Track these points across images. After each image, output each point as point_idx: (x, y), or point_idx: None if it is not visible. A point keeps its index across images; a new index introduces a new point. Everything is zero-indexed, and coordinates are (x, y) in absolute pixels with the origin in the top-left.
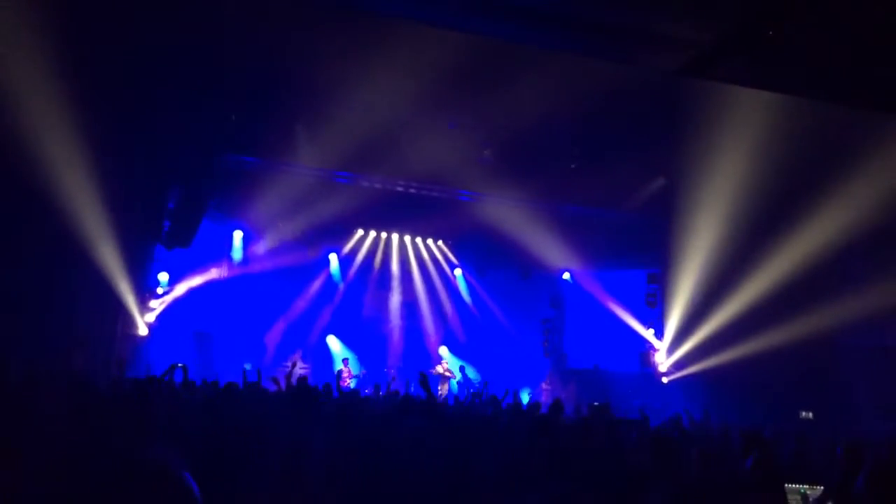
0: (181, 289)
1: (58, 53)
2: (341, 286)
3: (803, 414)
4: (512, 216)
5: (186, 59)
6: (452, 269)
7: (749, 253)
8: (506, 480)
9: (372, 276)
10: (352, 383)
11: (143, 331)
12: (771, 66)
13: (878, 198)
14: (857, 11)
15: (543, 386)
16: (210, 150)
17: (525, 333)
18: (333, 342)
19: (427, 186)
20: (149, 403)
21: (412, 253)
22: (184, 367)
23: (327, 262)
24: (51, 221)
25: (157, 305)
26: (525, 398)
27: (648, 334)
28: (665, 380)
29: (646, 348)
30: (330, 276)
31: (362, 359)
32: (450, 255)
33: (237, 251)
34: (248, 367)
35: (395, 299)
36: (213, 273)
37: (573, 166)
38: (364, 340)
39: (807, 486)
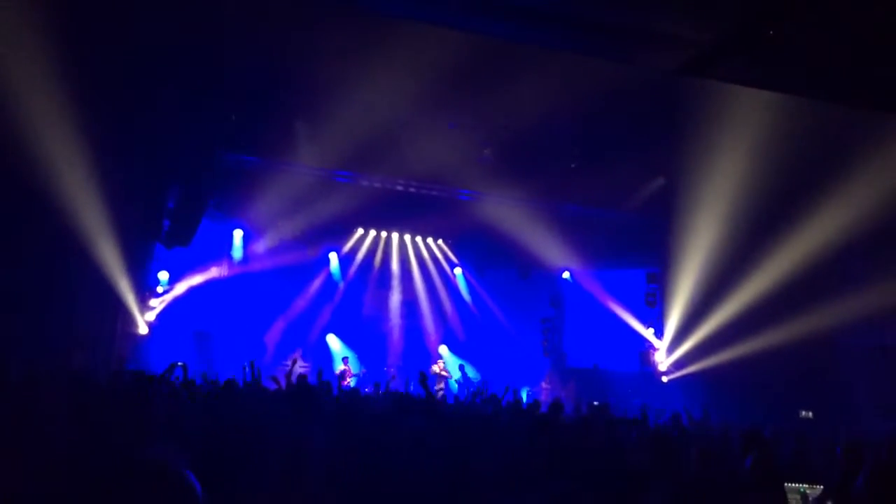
0: (181, 288)
1: (58, 53)
2: (341, 285)
3: (803, 413)
4: (512, 215)
5: (186, 59)
6: (452, 269)
7: (749, 252)
8: (506, 480)
9: (372, 275)
10: (352, 382)
11: (143, 330)
12: (771, 65)
13: (878, 198)
14: (858, 11)
15: (543, 385)
16: (210, 149)
17: (525, 333)
18: (333, 341)
19: (427, 185)
20: (149, 401)
21: (412, 252)
22: (183, 366)
23: (327, 261)
24: (51, 221)
25: (157, 304)
26: (525, 397)
27: (648, 334)
28: (665, 379)
29: (645, 348)
30: (330, 275)
31: (362, 358)
32: (450, 254)
33: (237, 250)
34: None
35: (395, 298)
36: (213, 272)
37: (573, 166)
38: (364, 339)
39: (806, 486)
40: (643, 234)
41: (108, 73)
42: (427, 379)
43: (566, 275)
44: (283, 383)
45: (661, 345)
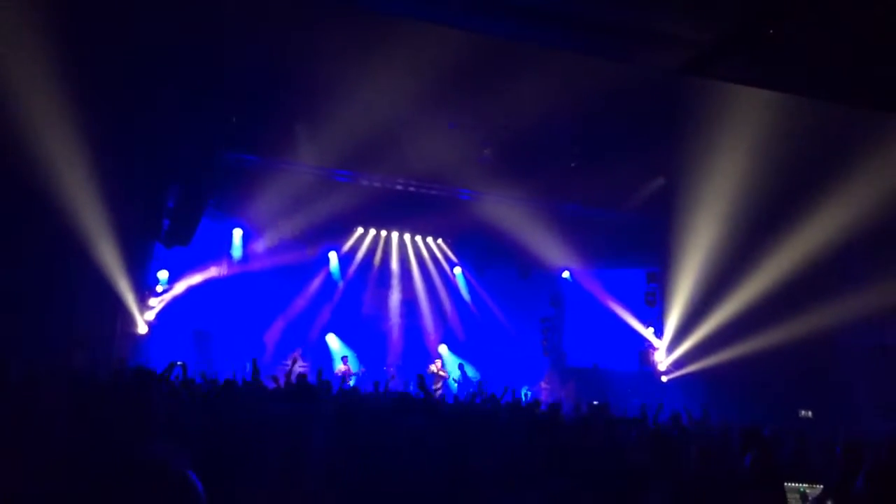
0: (181, 287)
1: (58, 53)
2: (341, 284)
3: (803, 413)
4: (511, 215)
5: (186, 59)
6: (452, 268)
7: (749, 252)
8: (505, 478)
9: (371, 275)
10: (351, 381)
11: (142, 329)
12: (771, 65)
13: (879, 197)
14: (858, 10)
15: (542, 385)
16: (210, 149)
17: (524, 332)
18: (333, 340)
19: (427, 185)
20: (149, 399)
21: (412, 251)
22: (183, 365)
23: (327, 260)
24: (50, 221)
25: (157, 304)
26: (525, 397)
27: (648, 333)
28: (664, 378)
29: (645, 347)
30: (329, 274)
31: (362, 357)
32: (449, 253)
33: (237, 249)
34: (248, 365)
35: (395, 297)
36: (213, 271)
37: (573, 165)
38: (363, 338)
39: (806, 485)
40: (643, 234)
41: (108, 73)
42: (425, 382)
43: (566, 274)
44: (283, 382)
45: (661, 344)
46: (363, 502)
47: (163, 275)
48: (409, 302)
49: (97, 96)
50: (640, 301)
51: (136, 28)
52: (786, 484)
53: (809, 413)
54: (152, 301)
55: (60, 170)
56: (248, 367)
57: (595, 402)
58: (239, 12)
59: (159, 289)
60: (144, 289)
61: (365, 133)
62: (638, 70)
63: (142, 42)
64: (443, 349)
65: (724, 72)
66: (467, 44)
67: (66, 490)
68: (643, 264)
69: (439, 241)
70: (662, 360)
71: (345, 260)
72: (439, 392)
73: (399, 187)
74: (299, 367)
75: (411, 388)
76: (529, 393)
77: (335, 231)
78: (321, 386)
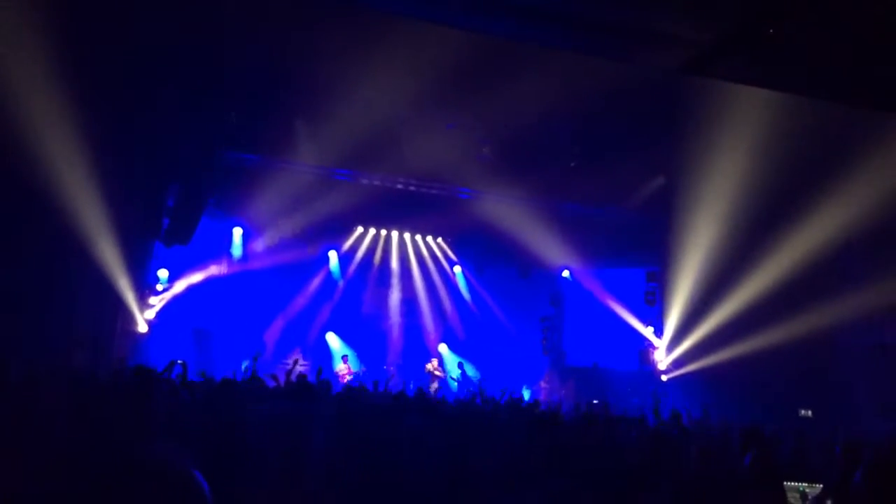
0: (181, 286)
1: (58, 53)
2: (341, 283)
3: (802, 412)
4: (511, 214)
5: (186, 59)
6: (452, 267)
7: (748, 251)
8: (505, 477)
9: (371, 274)
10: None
11: (142, 328)
12: (771, 64)
13: (878, 196)
14: (858, 10)
15: (542, 384)
16: (209, 148)
17: (524, 331)
18: (333, 339)
19: (427, 184)
20: (149, 398)
21: (412, 250)
22: (183, 364)
23: (327, 259)
24: (51, 220)
25: (157, 302)
26: (526, 397)
27: (648, 332)
28: (664, 378)
29: (645, 346)
30: (329, 273)
31: (362, 356)
32: (449, 252)
33: (237, 248)
34: (245, 365)
35: (395, 296)
36: (213, 270)
37: (573, 164)
38: (363, 337)
39: (806, 484)
40: (643, 233)
41: (108, 73)
42: (425, 393)
43: (566, 273)
44: (283, 381)
45: (661, 343)
46: (363, 502)
47: (163, 274)
48: (409, 301)
49: (97, 96)
50: (640, 300)
51: (136, 28)
52: (785, 483)
53: (809, 412)
54: (152, 300)
55: (60, 170)
56: (250, 363)
57: (595, 402)
58: (239, 12)
59: (159, 287)
60: (144, 288)
61: (365, 132)
62: (638, 70)
63: (142, 42)
64: (443, 348)
65: (724, 72)
66: (467, 44)
67: (66, 490)
68: (643, 263)
69: (439, 240)
70: (662, 359)
71: (345, 259)
72: (435, 389)
73: (399, 186)
74: (300, 367)
75: (411, 388)
76: (529, 392)
77: (335, 230)
78: (321, 385)
